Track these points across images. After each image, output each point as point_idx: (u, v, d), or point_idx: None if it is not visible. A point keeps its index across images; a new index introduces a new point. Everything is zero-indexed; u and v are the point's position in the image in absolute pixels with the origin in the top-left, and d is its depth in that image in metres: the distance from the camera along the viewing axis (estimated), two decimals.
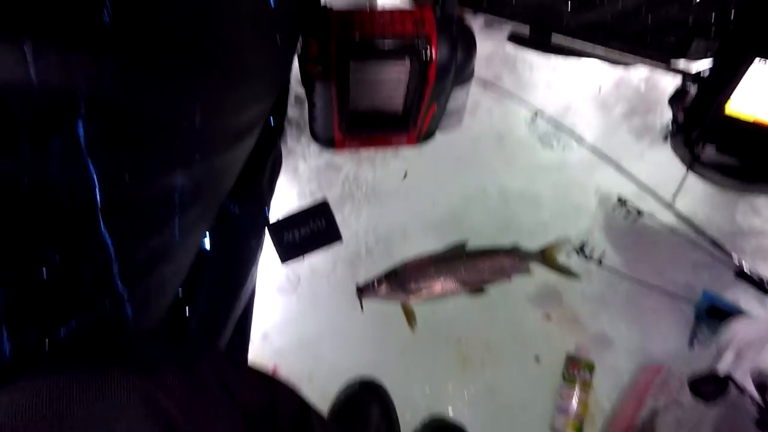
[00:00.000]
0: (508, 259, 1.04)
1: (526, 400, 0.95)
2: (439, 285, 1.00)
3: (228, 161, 0.63)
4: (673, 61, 1.18)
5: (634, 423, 0.75)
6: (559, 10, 1.14)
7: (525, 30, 1.26)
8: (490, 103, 1.33)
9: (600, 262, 1.04)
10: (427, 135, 1.22)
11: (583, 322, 1.00)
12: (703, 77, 1.08)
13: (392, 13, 0.97)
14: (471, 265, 1.02)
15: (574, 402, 0.88)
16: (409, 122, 1.14)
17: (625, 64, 1.26)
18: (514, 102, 1.34)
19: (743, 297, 0.96)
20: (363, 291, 1.00)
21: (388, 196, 1.18)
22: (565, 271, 1.04)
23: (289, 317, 1.02)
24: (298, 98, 1.23)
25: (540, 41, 1.27)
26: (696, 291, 0.99)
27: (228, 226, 0.85)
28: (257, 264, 0.94)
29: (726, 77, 0.97)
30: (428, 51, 0.94)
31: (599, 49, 1.22)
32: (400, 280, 1.00)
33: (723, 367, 0.52)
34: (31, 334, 0.37)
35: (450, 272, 1.01)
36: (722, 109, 0.98)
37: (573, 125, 1.32)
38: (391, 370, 0.97)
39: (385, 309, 1.01)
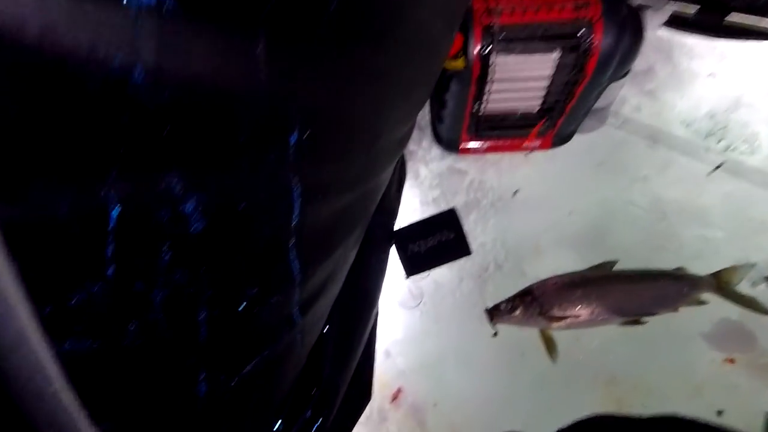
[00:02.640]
0: (673, 285, 0.87)
1: None
2: (587, 312, 0.86)
3: (386, 175, 0.57)
4: None
5: None
6: None
7: (690, 9, 1.06)
8: (639, 99, 1.14)
9: None
10: (564, 137, 1.07)
11: None
12: None
13: None
14: (626, 290, 0.87)
15: None
16: (547, 123, 1.01)
17: None
18: (670, 98, 1.14)
19: None
20: (494, 313, 0.89)
21: (517, 205, 1.06)
22: (749, 303, 0.85)
23: (411, 335, 0.96)
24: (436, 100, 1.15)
25: (709, 22, 1.06)
26: None
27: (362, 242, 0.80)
28: (383, 278, 0.89)
29: None
30: (589, 39, 0.80)
31: None
32: (540, 302, 0.88)
33: None
34: (222, 375, 0.33)
35: (600, 297, 0.87)
36: None
37: (746, 124, 1.09)
38: (526, 405, 0.86)
39: (518, 333, 0.90)
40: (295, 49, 0.24)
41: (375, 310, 0.82)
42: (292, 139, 0.28)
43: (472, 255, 0.99)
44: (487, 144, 1.07)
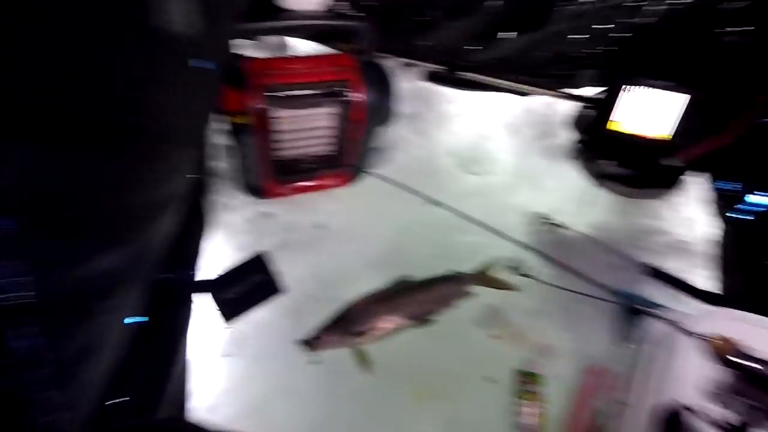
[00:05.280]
0: (448, 287, 1.07)
1: (487, 423, 0.97)
2: (386, 323, 1.00)
3: (159, 232, 0.60)
4: (565, 89, 1.33)
5: (584, 425, 0.80)
6: (467, 50, 1.25)
7: (439, 69, 1.36)
8: (413, 138, 1.39)
9: (534, 276, 1.11)
10: (357, 174, 1.24)
11: (526, 336, 1.05)
12: (598, 101, 1.23)
13: (310, 60, 0.99)
14: (414, 298, 1.04)
15: (531, 416, 0.91)
16: (340, 165, 1.16)
17: (528, 94, 1.40)
18: (435, 134, 1.41)
19: (655, 291, 1.08)
20: (311, 343, 0.97)
21: (326, 240, 1.17)
22: (504, 286, 1.09)
23: (237, 382, 0.96)
24: (222, 150, 1.19)
25: (452, 78, 1.37)
26: (618, 291, 1.09)
27: (160, 297, 0.79)
28: (187, 331, 0.88)
29: (612, 99, 1.12)
30: (352, 95, 0.97)
31: (504, 83, 1.34)
32: (347, 324, 0.98)
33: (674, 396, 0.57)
34: None
35: (395, 308, 1.02)
36: (611, 126, 1.12)
37: (491, 151, 1.42)
38: (348, 420, 0.94)
39: (338, 356, 0.99)
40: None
41: (181, 366, 0.81)
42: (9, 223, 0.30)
43: (289, 292, 1.05)
44: (292, 187, 1.17)
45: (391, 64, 1.28)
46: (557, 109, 1.40)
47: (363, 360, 0.98)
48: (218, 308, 0.96)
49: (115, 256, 0.49)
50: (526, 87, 1.29)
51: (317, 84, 0.94)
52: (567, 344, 1.03)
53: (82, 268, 0.43)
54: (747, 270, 0.96)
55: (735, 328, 0.55)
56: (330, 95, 0.96)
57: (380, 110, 1.04)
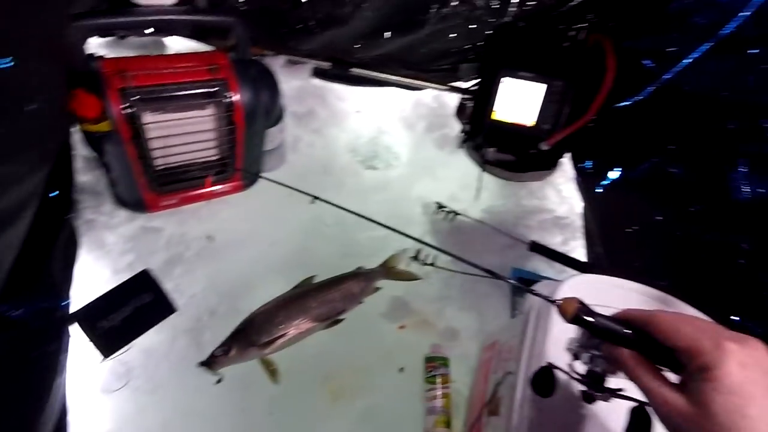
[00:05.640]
0: (355, 283, 1.07)
1: (400, 413, 0.99)
2: (294, 328, 0.97)
3: (7, 259, 0.50)
4: (450, 82, 1.40)
5: (484, 399, 0.84)
6: (351, 47, 1.25)
7: (326, 66, 1.35)
8: (309, 137, 1.36)
9: (433, 263, 1.16)
10: (251, 178, 1.18)
11: (432, 322, 1.09)
12: (473, 92, 1.30)
13: (178, 58, 0.91)
14: (321, 298, 1.02)
15: (438, 399, 0.95)
16: (227, 170, 1.09)
17: (417, 88, 1.45)
18: (330, 132, 1.40)
19: (540, 265, 1.18)
20: (212, 362, 0.90)
21: (222, 249, 1.10)
22: (408, 277, 1.12)
23: (126, 418, 0.86)
24: (89, 162, 1.06)
25: (341, 74, 1.37)
26: (508, 268, 1.18)
27: (12, 337, 0.67)
28: (65, 371, 0.77)
29: (488, 91, 1.20)
30: (228, 95, 0.92)
31: (393, 77, 1.37)
32: (250, 335, 0.93)
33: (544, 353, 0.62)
34: None
35: (301, 311, 0.99)
36: (490, 116, 1.21)
37: (389, 146, 1.45)
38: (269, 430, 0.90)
39: (241, 370, 0.94)
40: None
41: (55, 410, 0.71)
42: None
43: (182, 310, 0.97)
44: (179, 197, 1.08)
45: (272, 61, 1.24)
46: (445, 101, 1.47)
47: (270, 370, 0.94)
48: (93, 341, 0.85)
49: None
50: (414, 81, 1.33)
51: (188, 84, 0.88)
52: (467, 325, 1.09)
53: None
54: (604, 238, 1.09)
55: (591, 290, 0.62)
56: (203, 96, 0.90)
57: (264, 110, 1.00)
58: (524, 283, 1.06)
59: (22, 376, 0.65)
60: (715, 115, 0.81)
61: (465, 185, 1.36)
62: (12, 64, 0.47)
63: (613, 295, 0.68)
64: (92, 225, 1.01)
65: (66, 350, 0.78)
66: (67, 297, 0.81)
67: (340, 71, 1.33)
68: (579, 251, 1.24)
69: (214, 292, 1.04)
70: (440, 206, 1.26)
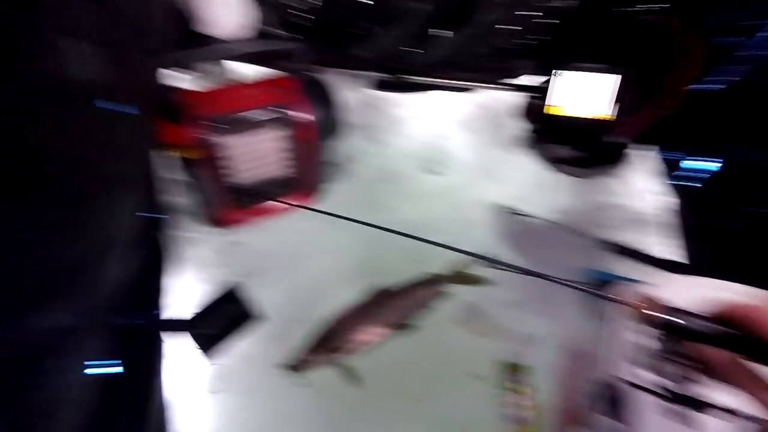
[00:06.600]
0: (423, 290, 1.08)
1: (477, 418, 0.98)
2: (367, 334, 1.01)
3: (106, 279, 0.59)
4: (508, 80, 1.37)
5: (573, 408, 0.82)
6: (405, 54, 1.27)
7: (381, 76, 1.38)
8: (368, 146, 1.40)
9: (506, 268, 1.14)
10: (320, 190, 1.24)
11: (508, 328, 1.08)
12: (544, 90, 1.27)
13: (248, 87, 0.98)
14: (391, 305, 1.05)
15: (520, 407, 0.93)
16: (300, 184, 1.16)
17: (473, 90, 1.44)
18: (390, 140, 1.43)
19: (619, 266, 1.12)
20: (296, 366, 0.96)
21: (299, 260, 1.17)
22: (478, 281, 1.12)
23: (229, 418, 0.94)
24: (178, 184, 1.17)
25: (398, 83, 1.39)
26: (584, 270, 1.13)
27: (127, 343, 0.77)
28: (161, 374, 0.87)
29: (547, 86, 1.16)
30: (297, 115, 0.97)
31: (448, 81, 1.37)
32: (329, 341, 0.98)
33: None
34: None
35: (374, 319, 1.02)
36: (552, 111, 1.17)
37: (449, 150, 1.45)
38: None
39: (326, 375, 0.99)
40: None
41: (159, 410, 0.80)
42: None
43: (268, 319, 1.05)
44: (253, 212, 1.16)
45: (331, 77, 1.29)
46: (504, 101, 1.44)
47: (352, 375, 0.98)
48: (197, 345, 0.95)
49: (59, 312, 0.48)
50: (470, 83, 1.32)
51: (258, 109, 0.94)
52: (548, 331, 1.06)
53: (18, 330, 0.42)
54: (703, 236, 1.01)
55: (684, 294, 0.58)
56: (276, 119, 0.96)
57: (328, 125, 1.05)
58: (603, 285, 1.02)
59: (135, 377, 0.74)
60: None
61: (533, 185, 1.33)
62: (137, 111, 0.54)
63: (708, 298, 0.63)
64: (184, 242, 1.12)
65: (162, 355, 0.88)
66: (164, 306, 0.91)
67: (396, 80, 1.35)
68: (660, 249, 1.16)
69: (294, 301, 1.10)
70: (507, 208, 1.24)
